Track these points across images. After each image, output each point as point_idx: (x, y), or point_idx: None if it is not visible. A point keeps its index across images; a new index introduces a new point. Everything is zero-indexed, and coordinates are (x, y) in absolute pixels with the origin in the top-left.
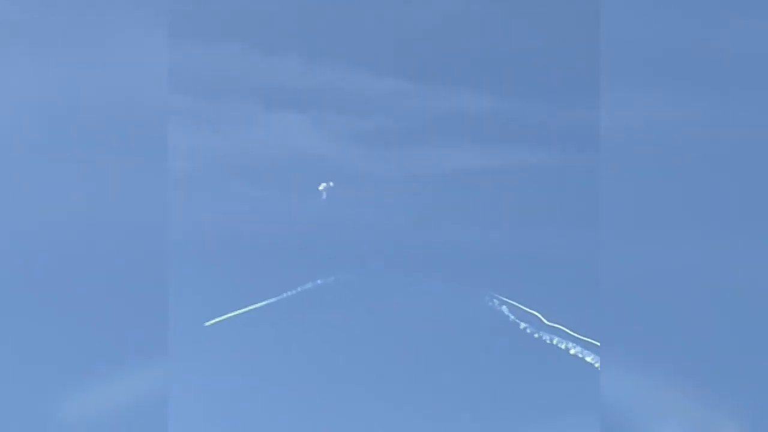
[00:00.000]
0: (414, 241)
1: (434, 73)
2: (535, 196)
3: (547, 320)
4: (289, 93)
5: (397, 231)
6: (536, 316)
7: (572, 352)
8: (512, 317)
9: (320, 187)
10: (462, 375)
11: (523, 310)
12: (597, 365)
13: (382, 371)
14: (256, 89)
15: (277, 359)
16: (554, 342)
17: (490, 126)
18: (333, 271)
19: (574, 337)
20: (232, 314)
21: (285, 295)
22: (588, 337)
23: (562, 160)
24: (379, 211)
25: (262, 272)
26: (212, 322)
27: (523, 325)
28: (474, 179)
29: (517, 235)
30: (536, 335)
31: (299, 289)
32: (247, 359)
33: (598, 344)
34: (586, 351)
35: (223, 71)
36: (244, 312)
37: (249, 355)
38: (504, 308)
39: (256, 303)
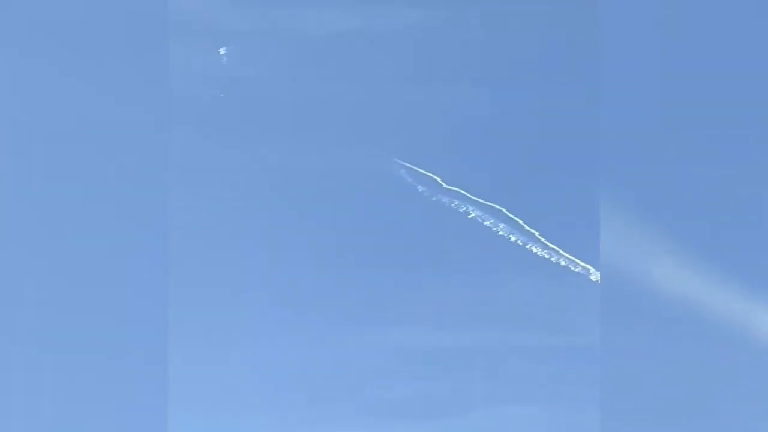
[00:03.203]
0: (311, 101)
1: None
2: (429, 55)
3: (446, 184)
4: None
5: (293, 92)
6: (435, 179)
7: (471, 216)
8: (410, 180)
9: (220, 52)
10: (358, 238)
11: (422, 173)
12: (496, 229)
13: (278, 234)
14: None
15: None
16: (453, 205)
17: None
18: (239, 134)
19: (474, 200)
20: None
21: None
22: (488, 201)
23: (443, 19)
24: (278, 72)
25: None
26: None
27: (421, 188)
28: (363, 40)
29: (416, 98)
30: (434, 199)
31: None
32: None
33: (501, 208)
34: (486, 215)
35: None
36: None
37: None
38: (402, 172)
39: None
